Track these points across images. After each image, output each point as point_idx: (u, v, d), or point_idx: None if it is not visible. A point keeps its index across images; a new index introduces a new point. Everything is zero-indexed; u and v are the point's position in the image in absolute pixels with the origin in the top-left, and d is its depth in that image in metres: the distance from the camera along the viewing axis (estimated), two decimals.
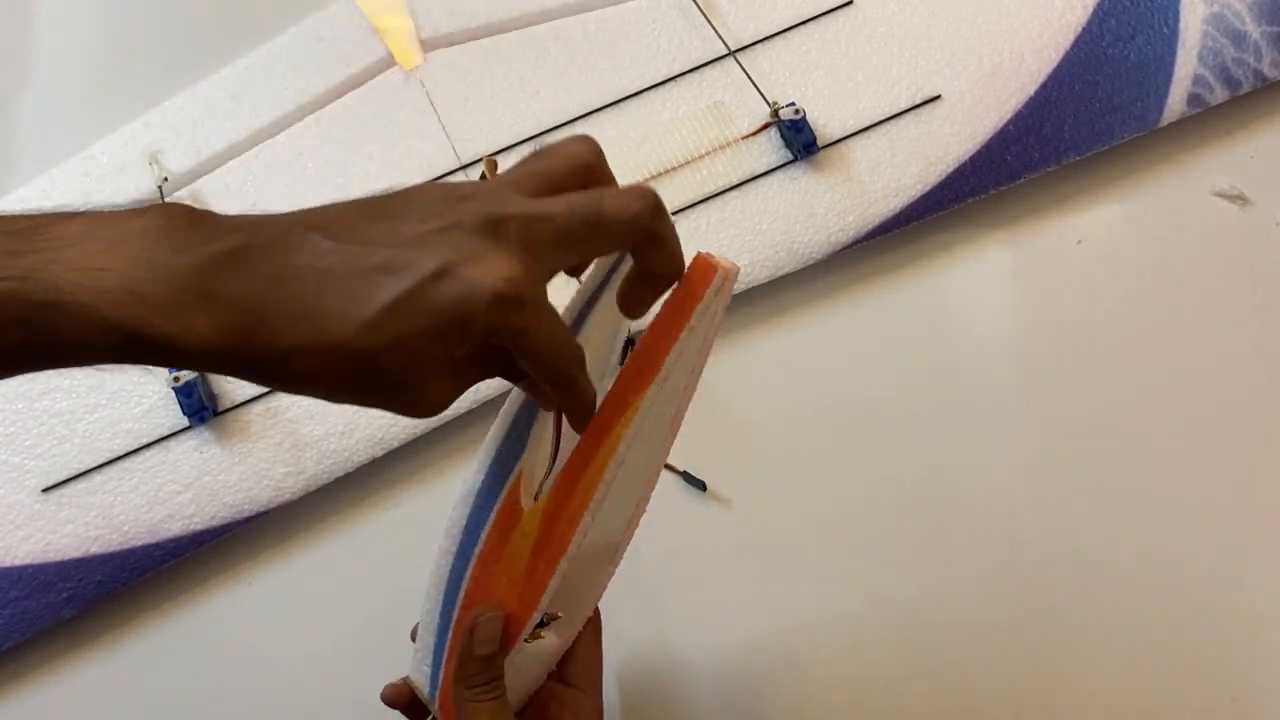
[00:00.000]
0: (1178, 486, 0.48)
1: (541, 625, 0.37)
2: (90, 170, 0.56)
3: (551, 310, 0.29)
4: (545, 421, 0.37)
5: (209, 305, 0.26)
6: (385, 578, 0.48)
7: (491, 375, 0.32)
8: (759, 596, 0.47)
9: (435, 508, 0.47)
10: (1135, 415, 0.50)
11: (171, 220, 0.27)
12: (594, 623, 0.39)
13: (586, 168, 0.31)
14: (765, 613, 0.46)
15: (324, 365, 0.27)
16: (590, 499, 0.35)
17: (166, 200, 0.25)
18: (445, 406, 0.29)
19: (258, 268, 0.27)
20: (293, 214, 0.29)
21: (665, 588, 0.47)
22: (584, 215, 0.29)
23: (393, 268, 0.27)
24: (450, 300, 0.26)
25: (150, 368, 0.30)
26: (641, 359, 0.35)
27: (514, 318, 0.27)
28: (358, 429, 0.49)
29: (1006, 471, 0.49)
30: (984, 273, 0.53)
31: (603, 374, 0.37)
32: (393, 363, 0.27)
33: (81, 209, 0.28)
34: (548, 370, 0.29)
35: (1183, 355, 0.51)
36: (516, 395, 0.38)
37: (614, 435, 0.35)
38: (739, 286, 0.52)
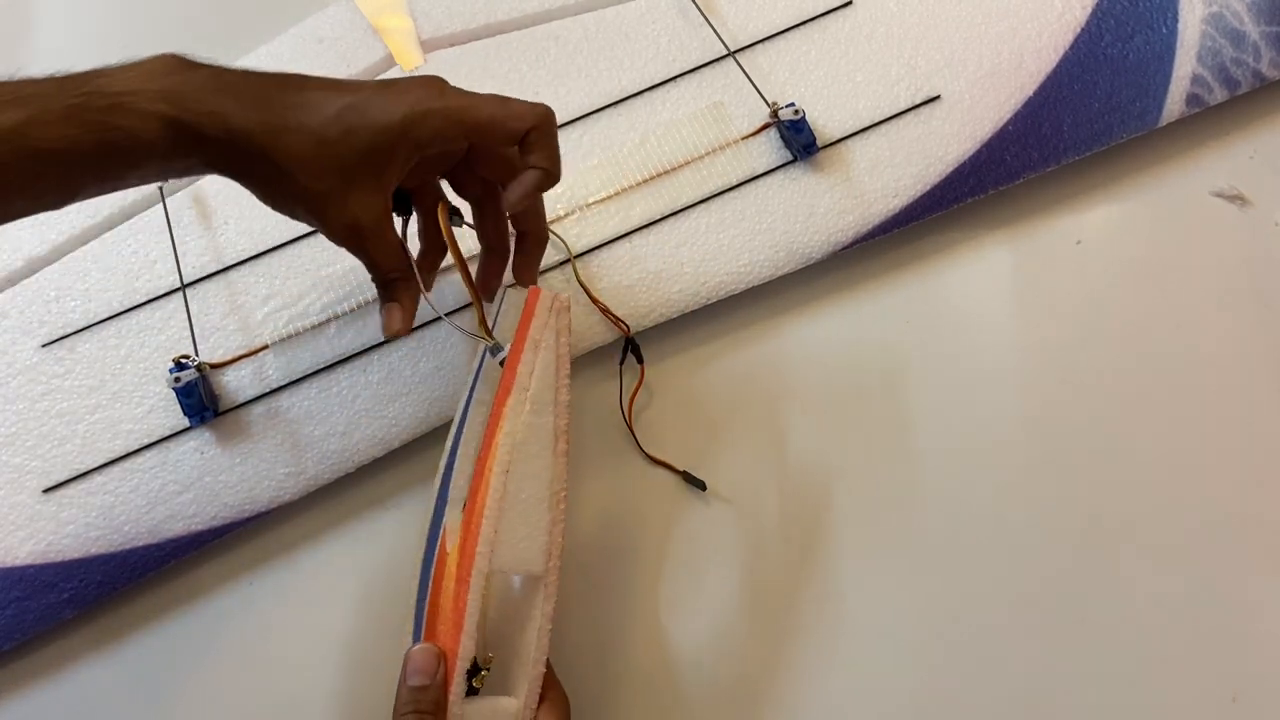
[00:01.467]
0: (1177, 485, 0.48)
1: (480, 672, 0.38)
2: None
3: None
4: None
5: (232, 95, 0.36)
6: (386, 579, 0.48)
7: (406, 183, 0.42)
8: (759, 595, 0.47)
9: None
10: (1134, 414, 0.50)
11: (177, 57, 0.37)
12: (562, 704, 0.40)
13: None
14: (766, 611, 0.46)
15: (299, 143, 0.36)
16: (485, 510, 0.38)
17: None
18: (362, 220, 0.38)
19: (253, 77, 0.37)
20: None
21: (665, 586, 0.47)
22: (494, 110, 0.40)
23: (353, 87, 0.38)
24: (410, 110, 0.38)
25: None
26: (505, 378, 0.41)
27: (448, 105, 0.39)
28: (358, 429, 0.50)
29: (1005, 469, 0.49)
30: (984, 272, 0.53)
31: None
32: (346, 150, 0.37)
33: (106, 66, 0.36)
34: (490, 126, 0.40)
35: (1182, 355, 0.51)
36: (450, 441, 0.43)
37: (494, 444, 0.39)
38: (739, 284, 0.52)
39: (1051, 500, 0.48)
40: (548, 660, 0.40)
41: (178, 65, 0.36)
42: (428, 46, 0.58)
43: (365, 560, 0.49)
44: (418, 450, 0.50)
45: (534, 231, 0.45)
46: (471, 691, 0.37)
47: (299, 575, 0.49)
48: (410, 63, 0.58)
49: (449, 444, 0.43)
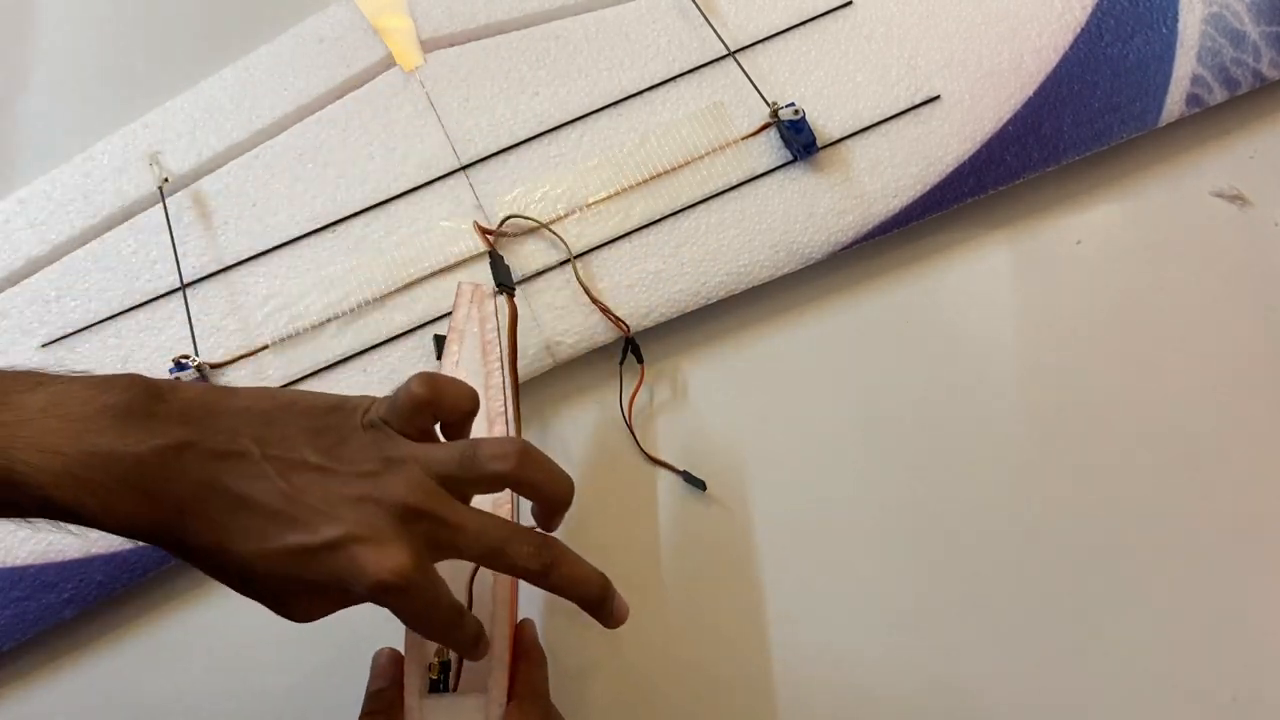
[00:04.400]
0: (1177, 485, 0.48)
1: (436, 670, 0.37)
2: (91, 171, 0.56)
3: (433, 584, 0.32)
4: None
5: (139, 497, 0.30)
6: None
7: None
8: (759, 595, 0.47)
9: None
10: (1134, 415, 0.50)
11: (131, 401, 0.31)
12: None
13: (508, 482, 0.34)
14: (765, 611, 0.46)
15: (219, 567, 0.31)
16: None
17: (125, 374, 0.32)
18: (314, 619, 0.33)
19: (191, 472, 0.31)
20: (260, 405, 0.33)
21: (665, 586, 0.47)
22: (487, 545, 0.33)
23: (300, 523, 0.31)
24: (338, 569, 0.30)
25: None
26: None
27: (392, 599, 0.31)
28: None
29: (1005, 470, 0.49)
30: (984, 272, 0.53)
31: None
32: (276, 586, 0.32)
33: (47, 376, 0.31)
34: (426, 630, 0.34)
35: (1183, 355, 0.51)
36: None
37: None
38: (739, 284, 0.52)
39: (1051, 499, 0.48)
40: (531, 627, 0.40)
41: (117, 423, 0.30)
42: (427, 46, 0.58)
43: None
44: None
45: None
46: (434, 686, 0.37)
47: None
48: (410, 63, 0.58)
49: None
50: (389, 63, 0.58)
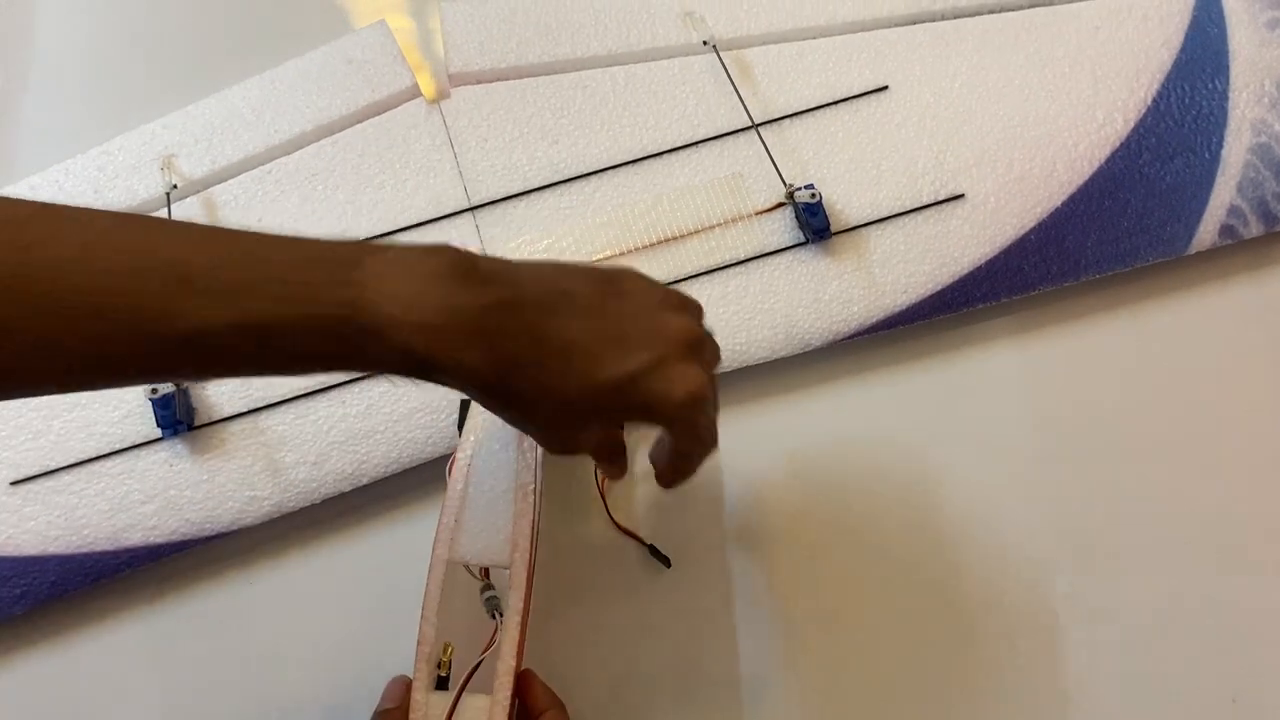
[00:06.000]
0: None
1: (445, 668, 0.39)
2: (105, 166, 0.56)
3: (717, 397, 0.39)
4: None
5: (484, 348, 0.33)
6: (382, 583, 0.48)
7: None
8: (735, 679, 0.46)
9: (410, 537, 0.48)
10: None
11: (456, 263, 0.34)
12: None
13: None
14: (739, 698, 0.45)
15: (537, 408, 0.35)
16: (445, 502, 0.41)
17: (442, 243, 0.35)
18: (586, 450, 0.39)
19: (522, 320, 0.34)
20: (546, 269, 0.37)
21: (631, 661, 0.46)
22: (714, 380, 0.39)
23: (616, 358, 0.35)
24: (650, 392, 0.35)
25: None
26: None
27: (695, 411, 0.36)
28: (329, 461, 0.49)
29: (1000, 559, 0.48)
30: (989, 377, 0.52)
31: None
32: (581, 418, 0.36)
33: (378, 245, 0.34)
34: (693, 443, 0.38)
35: (1187, 479, 0.50)
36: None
37: (461, 441, 0.42)
38: (734, 362, 0.51)
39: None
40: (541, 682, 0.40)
41: (448, 282, 0.33)
42: (455, 81, 0.58)
43: (361, 564, 0.49)
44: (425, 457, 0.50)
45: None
46: (441, 683, 0.39)
47: (257, 596, 0.48)
48: (435, 95, 0.57)
49: None
50: (414, 93, 0.57)
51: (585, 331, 0.35)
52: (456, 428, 0.45)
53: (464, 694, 0.38)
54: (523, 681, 0.40)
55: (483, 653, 0.39)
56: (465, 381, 0.34)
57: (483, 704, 0.38)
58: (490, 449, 0.42)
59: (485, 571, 0.41)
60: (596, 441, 0.40)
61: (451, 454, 0.43)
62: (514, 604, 0.40)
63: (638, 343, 0.36)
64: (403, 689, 0.39)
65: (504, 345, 0.34)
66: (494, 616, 0.40)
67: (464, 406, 0.46)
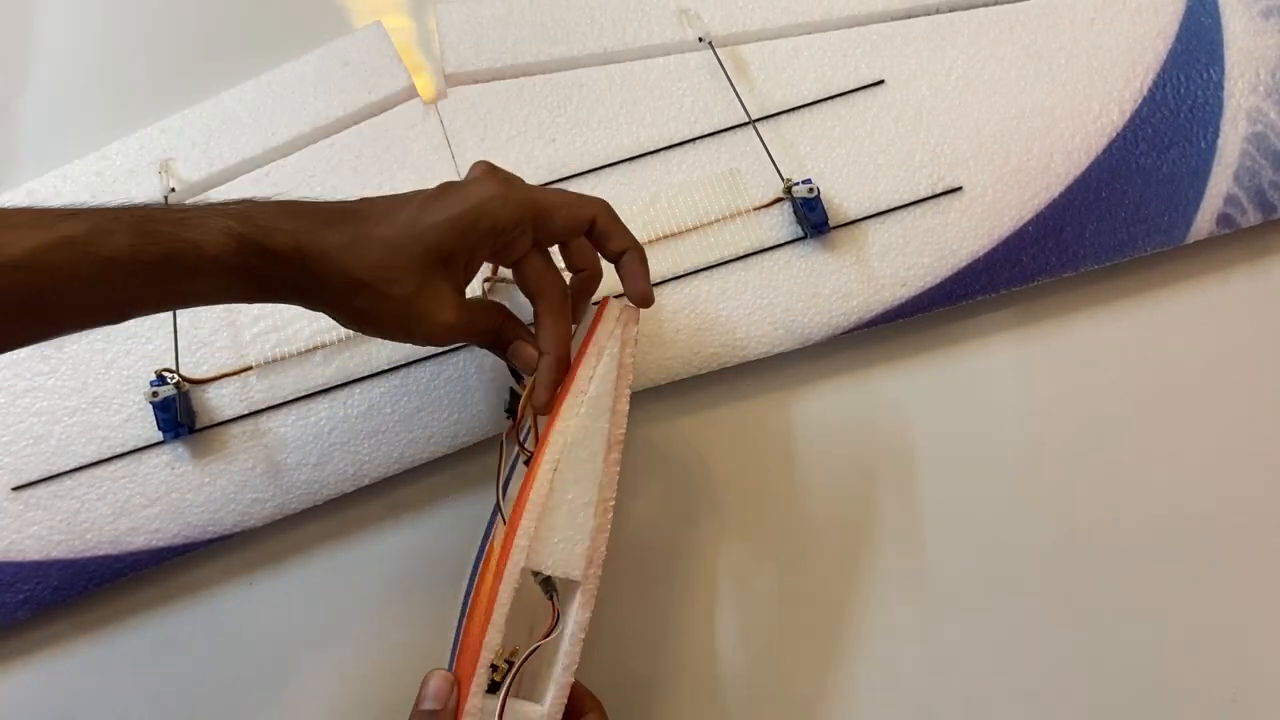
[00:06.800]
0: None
1: (501, 673, 0.37)
2: (103, 170, 0.56)
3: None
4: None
5: (296, 217, 0.37)
6: (389, 583, 0.48)
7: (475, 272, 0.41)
8: (734, 677, 0.46)
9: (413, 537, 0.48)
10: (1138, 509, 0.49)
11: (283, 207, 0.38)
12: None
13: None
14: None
15: (372, 252, 0.37)
16: (528, 505, 0.39)
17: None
18: (448, 319, 0.39)
19: (324, 204, 0.39)
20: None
21: (631, 661, 0.46)
22: (556, 199, 0.42)
23: (449, 199, 0.39)
24: (476, 200, 0.38)
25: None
26: (566, 380, 0.41)
27: (568, 210, 0.41)
28: (330, 462, 0.49)
29: (1006, 559, 0.48)
30: (989, 369, 0.52)
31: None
32: (418, 249, 0.38)
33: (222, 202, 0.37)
34: (554, 213, 0.41)
35: (1186, 473, 0.50)
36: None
37: (547, 443, 0.40)
38: (732, 358, 0.51)
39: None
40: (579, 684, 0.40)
41: (285, 207, 0.37)
42: (451, 81, 0.58)
43: (362, 564, 0.49)
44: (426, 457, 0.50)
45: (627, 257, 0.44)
46: (494, 687, 0.37)
47: (260, 597, 0.48)
48: (432, 96, 0.57)
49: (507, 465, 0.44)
50: (410, 93, 0.57)
51: (407, 202, 0.39)
52: (505, 413, 0.45)
53: (516, 700, 0.37)
54: None
55: (543, 637, 0.38)
56: (303, 256, 0.36)
57: (533, 714, 0.38)
58: (578, 456, 0.40)
59: None
60: (465, 322, 0.40)
61: (508, 427, 0.43)
62: (580, 619, 0.39)
63: (464, 194, 0.39)
64: (446, 687, 0.37)
65: (324, 216, 0.37)
66: (550, 598, 0.39)
67: (513, 395, 0.44)
